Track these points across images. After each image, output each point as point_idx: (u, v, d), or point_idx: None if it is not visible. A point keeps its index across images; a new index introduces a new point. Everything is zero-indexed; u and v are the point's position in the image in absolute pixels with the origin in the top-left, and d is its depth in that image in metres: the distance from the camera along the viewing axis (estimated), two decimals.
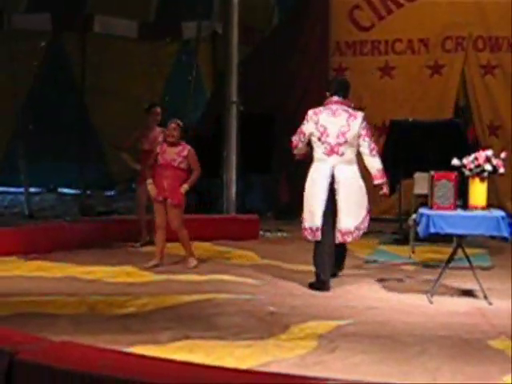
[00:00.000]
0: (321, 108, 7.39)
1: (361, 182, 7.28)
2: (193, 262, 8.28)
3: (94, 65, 13.97)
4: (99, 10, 14.11)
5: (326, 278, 7.18)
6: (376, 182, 7.33)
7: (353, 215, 7.19)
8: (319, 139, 7.25)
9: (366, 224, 7.32)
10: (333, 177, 7.16)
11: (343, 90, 7.42)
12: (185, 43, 14.93)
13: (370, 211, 7.38)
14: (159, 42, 14.79)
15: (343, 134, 7.18)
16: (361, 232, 7.29)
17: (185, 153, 8.25)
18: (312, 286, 7.21)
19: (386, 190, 7.41)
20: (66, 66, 14.43)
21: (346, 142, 7.18)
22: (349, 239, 7.25)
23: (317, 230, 7.15)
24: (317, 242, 7.20)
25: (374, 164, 7.27)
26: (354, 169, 7.26)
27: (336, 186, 7.14)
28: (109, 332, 5.53)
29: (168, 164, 8.20)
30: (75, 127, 14.20)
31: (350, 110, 7.31)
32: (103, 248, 8.16)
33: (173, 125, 8.30)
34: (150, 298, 6.69)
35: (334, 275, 7.53)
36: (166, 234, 8.29)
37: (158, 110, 9.73)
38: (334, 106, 7.31)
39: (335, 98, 7.35)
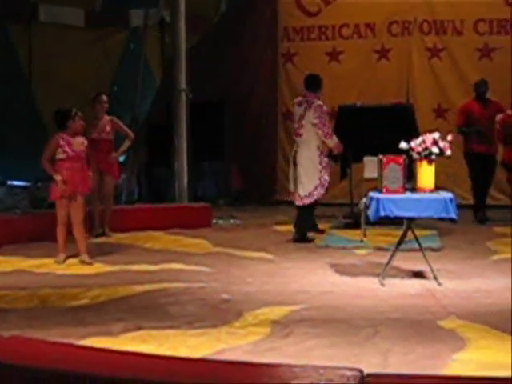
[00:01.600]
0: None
1: (316, 158, 8.93)
2: (87, 258, 7.93)
3: (41, 55, 13.75)
4: None
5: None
6: (334, 152, 9.26)
7: (308, 184, 8.93)
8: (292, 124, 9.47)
9: (321, 191, 9.01)
10: (296, 153, 9.07)
11: (311, 84, 9.17)
12: (133, 31, 14.76)
13: (324, 183, 8.99)
14: (107, 30, 14.61)
15: (300, 120, 9.06)
16: (314, 197, 8.97)
17: (86, 143, 8.06)
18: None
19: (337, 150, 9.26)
20: (12, 57, 14.17)
21: (302, 126, 9.02)
22: (307, 202, 8.95)
23: (292, 193, 9.25)
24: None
25: (329, 144, 9.04)
26: (311, 146, 8.94)
27: (297, 160, 9.00)
28: (61, 325, 5.50)
29: (79, 156, 7.93)
30: (24, 119, 13.98)
31: (310, 101, 8.99)
32: (54, 240, 8.07)
33: (80, 115, 8.04)
34: (103, 290, 6.66)
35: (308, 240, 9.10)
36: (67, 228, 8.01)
37: (104, 98, 9.65)
38: (302, 98, 9.16)
39: (304, 92, 9.18)
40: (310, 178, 8.93)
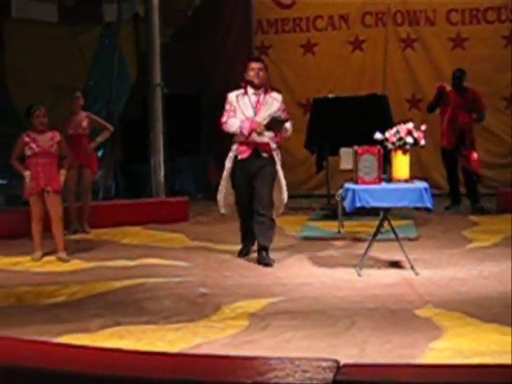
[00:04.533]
0: None
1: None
2: (65, 255, 7.90)
3: (15, 51, 13.66)
4: None
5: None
6: None
7: None
8: None
9: None
10: None
11: None
12: (106, 26, 14.69)
13: None
14: (80, 25, 14.53)
15: None
16: None
17: (58, 138, 7.98)
18: None
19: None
20: None
21: None
22: None
23: None
24: None
25: None
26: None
27: None
28: (37, 323, 5.46)
29: (46, 151, 7.86)
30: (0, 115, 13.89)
31: None
32: (30, 238, 8.03)
33: (42, 111, 7.95)
34: (80, 286, 6.64)
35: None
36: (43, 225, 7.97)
37: (78, 94, 9.66)
38: None
39: None
40: None
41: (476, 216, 9.98)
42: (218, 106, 12.63)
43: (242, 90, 7.52)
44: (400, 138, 6.92)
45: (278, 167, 7.50)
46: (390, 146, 6.96)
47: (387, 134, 6.96)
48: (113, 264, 7.64)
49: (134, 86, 13.45)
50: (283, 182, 7.54)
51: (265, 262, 7.38)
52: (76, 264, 7.73)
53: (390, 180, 7.06)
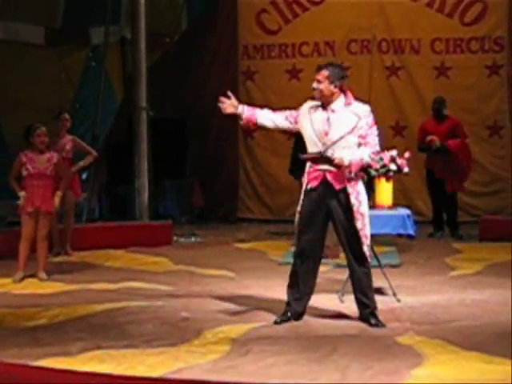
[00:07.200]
0: None
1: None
2: (44, 275, 7.94)
3: (1, 73, 13.67)
4: (3, 16, 13.80)
5: None
6: None
7: None
8: None
9: None
10: None
11: None
12: (93, 49, 14.73)
13: None
14: (67, 47, 14.57)
15: None
16: None
17: (54, 160, 8.03)
18: None
19: None
20: None
21: None
22: None
23: None
24: None
25: None
26: None
27: None
28: (17, 346, 5.41)
29: (41, 173, 7.92)
30: None
31: None
32: (12, 259, 8.00)
33: (43, 130, 8.00)
34: (61, 309, 6.60)
35: None
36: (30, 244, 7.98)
37: (66, 116, 9.65)
38: None
39: None
40: None
41: (459, 244, 10.04)
42: (204, 130, 12.77)
43: (319, 102, 6.34)
44: (383, 165, 6.97)
45: (354, 201, 5.92)
46: (373, 172, 7.00)
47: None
48: (95, 287, 7.61)
49: (120, 109, 13.48)
50: (359, 224, 5.92)
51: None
52: (58, 286, 7.70)
53: (373, 207, 7.08)
